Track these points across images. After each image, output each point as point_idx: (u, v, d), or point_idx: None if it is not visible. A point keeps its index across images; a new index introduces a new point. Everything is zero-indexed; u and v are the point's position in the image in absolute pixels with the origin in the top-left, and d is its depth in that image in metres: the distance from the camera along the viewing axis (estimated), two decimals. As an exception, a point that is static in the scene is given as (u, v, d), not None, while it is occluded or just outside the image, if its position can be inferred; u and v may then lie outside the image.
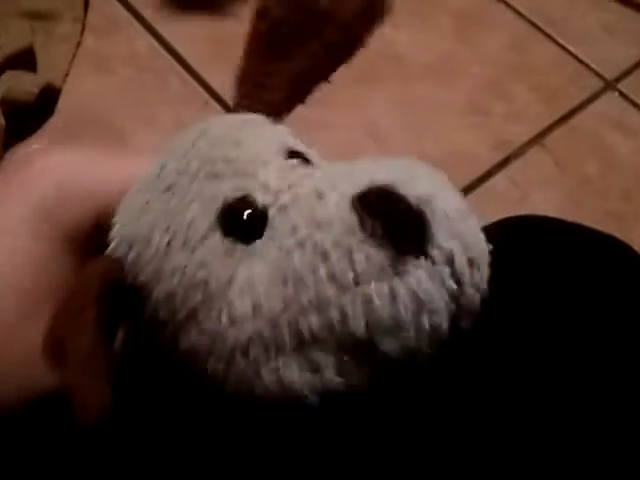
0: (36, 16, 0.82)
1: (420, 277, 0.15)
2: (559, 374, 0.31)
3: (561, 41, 1.02)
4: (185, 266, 0.17)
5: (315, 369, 0.16)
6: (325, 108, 0.75)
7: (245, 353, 0.16)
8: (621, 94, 0.99)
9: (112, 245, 0.19)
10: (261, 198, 0.17)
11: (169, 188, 0.18)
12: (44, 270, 0.21)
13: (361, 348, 0.15)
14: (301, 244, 0.16)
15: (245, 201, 0.17)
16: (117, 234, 0.18)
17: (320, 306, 0.15)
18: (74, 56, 0.85)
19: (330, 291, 0.15)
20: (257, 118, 0.20)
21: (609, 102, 0.99)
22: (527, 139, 0.94)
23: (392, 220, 0.15)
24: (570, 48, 1.02)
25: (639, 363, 0.33)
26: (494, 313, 0.36)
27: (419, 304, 0.15)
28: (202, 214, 0.17)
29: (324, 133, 0.72)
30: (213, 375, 0.18)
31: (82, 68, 0.86)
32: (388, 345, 0.15)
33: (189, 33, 0.91)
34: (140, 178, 0.19)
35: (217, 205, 0.17)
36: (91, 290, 0.17)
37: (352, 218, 0.15)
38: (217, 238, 0.17)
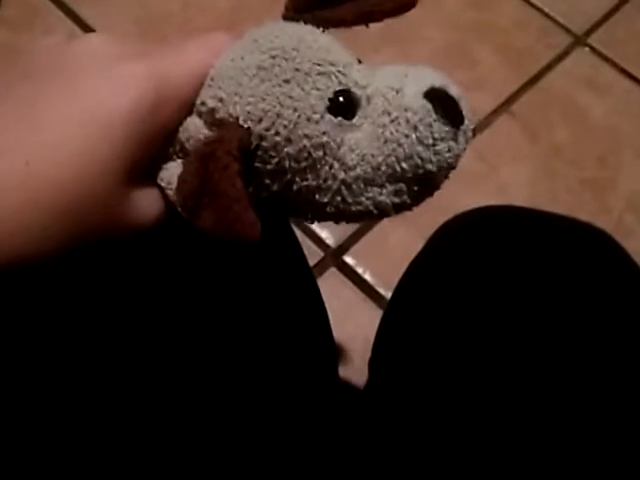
0: None
1: (461, 140, 0.26)
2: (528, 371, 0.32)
3: (525, -5, 0.94)
4: (311, 133, 0.25)
5: (397, 194, 0.26)
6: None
7: (349, 187, 0.26)
8: (592, 49, 0.92)
9: (240, 119, 0.25)
10: (354, 90, 0.26)
11: (288, 81, 0.25)
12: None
13: (426, 180, 0.26)
14: (395, 120, 0.25)
15: (346, 91, 0.26)
16: (241, 112, 0.25)
17: (409, 156, 0.25)
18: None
19: (417, 148, 0.25)
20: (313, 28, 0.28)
21: (579, 59, 0.91)
22: (493, 107, 0.87)
23: (449, 108, 0.25)
24: (535, 2, 0.93)
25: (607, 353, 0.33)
26: (462, 302, 0.35)
27: (460, 154, 0.26)
28: (319, 99, 0.25)
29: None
30: (314, 204, 0.27)
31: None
32: (440, 175, 0.26)
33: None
34: (249, 68, 0.26)
35: (329, 94, 0.25)
36: (232, 150, 0.23)
37: (427, 106, 0.25)
38: (330, 116, 0.25)
